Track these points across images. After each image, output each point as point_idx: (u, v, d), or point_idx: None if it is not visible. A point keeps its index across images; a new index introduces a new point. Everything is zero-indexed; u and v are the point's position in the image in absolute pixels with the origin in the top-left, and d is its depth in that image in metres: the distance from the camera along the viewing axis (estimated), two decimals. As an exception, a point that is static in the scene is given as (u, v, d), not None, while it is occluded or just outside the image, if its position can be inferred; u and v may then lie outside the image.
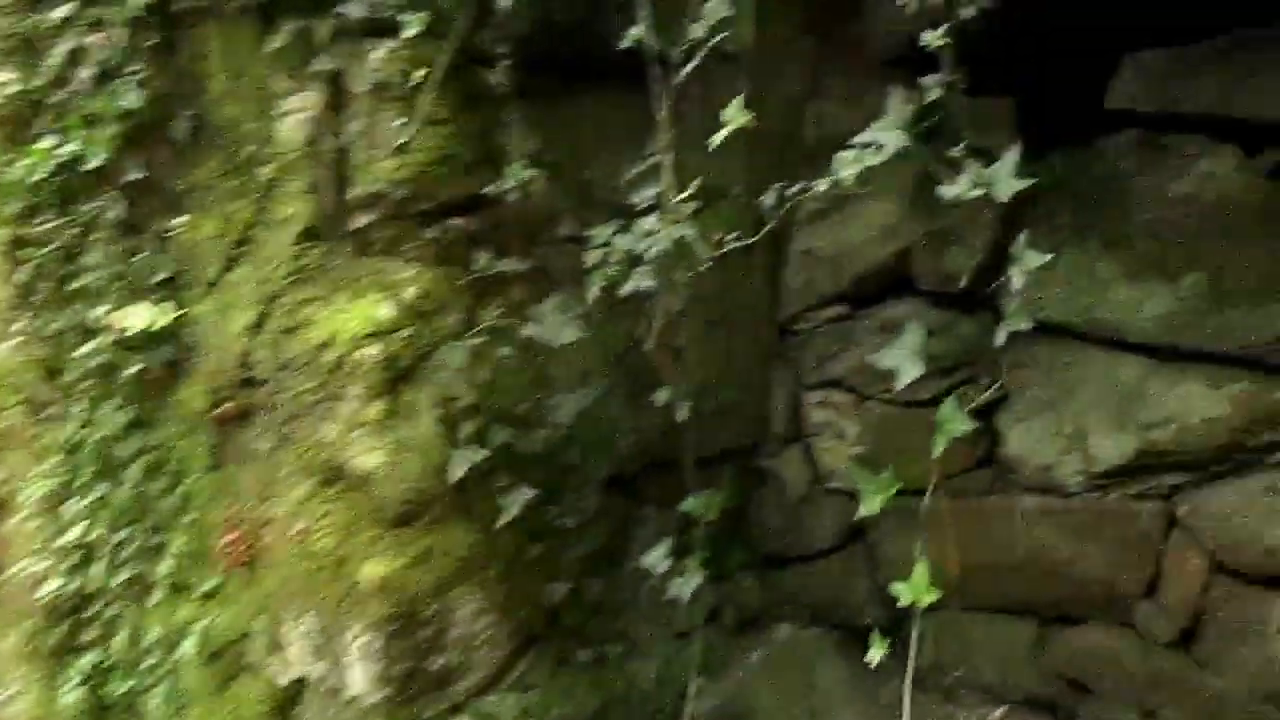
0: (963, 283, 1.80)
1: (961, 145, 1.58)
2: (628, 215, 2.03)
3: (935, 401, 2.38)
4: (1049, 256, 1.58)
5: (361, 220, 2.17)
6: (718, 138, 1.73)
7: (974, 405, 1.78)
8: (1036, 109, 2.42)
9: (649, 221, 1.93)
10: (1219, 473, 2.26)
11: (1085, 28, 2.24)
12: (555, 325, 2.17)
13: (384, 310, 2.13)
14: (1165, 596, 2.34)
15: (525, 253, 2.27)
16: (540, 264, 2.30)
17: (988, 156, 1.76)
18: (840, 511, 2.66)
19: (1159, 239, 2.28)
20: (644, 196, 1.95)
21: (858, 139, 1.66)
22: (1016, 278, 1.57)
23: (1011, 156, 1.56)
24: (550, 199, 2.31)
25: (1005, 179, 1.53)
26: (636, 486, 2.58)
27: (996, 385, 2.46)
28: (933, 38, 1.55)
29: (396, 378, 2.14)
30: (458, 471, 2.15)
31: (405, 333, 2.14)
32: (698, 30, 1.81)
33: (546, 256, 2.32)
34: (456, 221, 2.21)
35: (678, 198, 1.85)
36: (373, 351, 2.11)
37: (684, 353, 2.49)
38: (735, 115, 1.70)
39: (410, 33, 2.02)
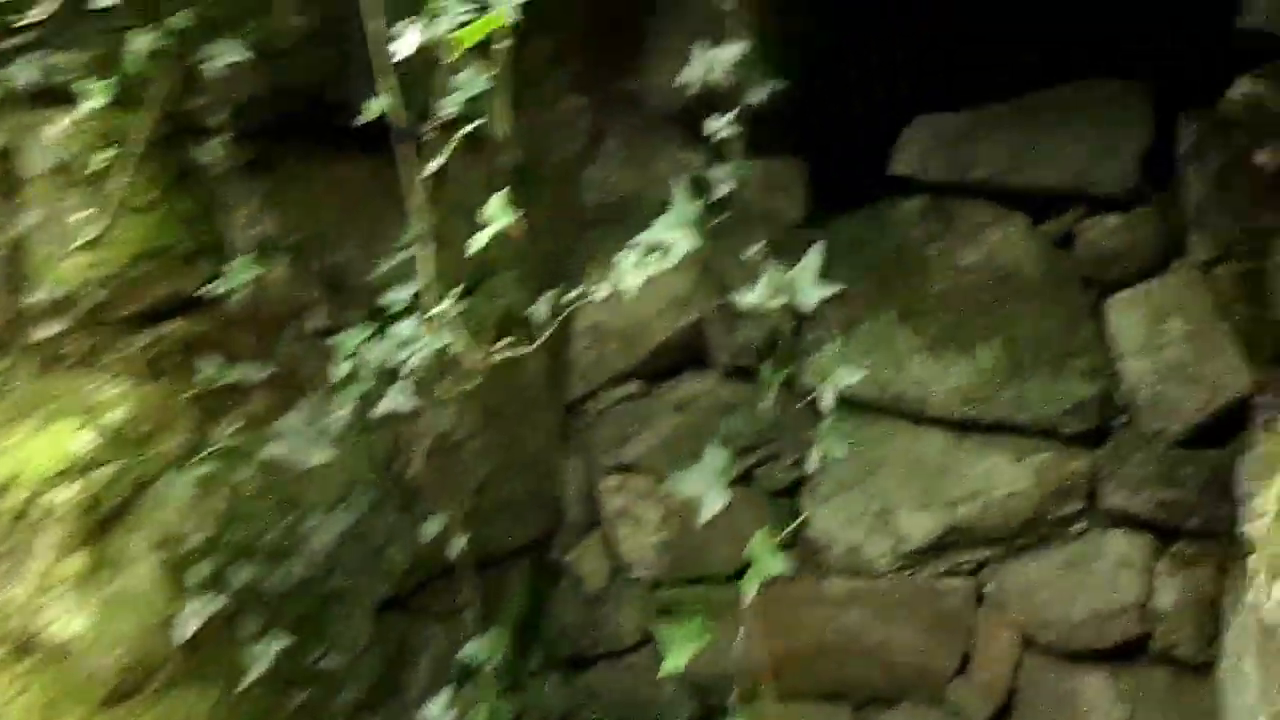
0: (770, 397, 1.61)
1: (760, 246, 1.38)
2: (383, 315, 1.73)
3: (736, 481, 2.24)
4: (864, 372, 1.42)
5: (47, 330, 1.78)
6: (478, 241, 1.47)
7: (784, 530, 1.56)
8: (828, 169, 2.31)
9: (406, 326, 1.64)
10: (1024, 546, 2.24)
11: (876, 89, 2.15)
12: (304, 442, 1.84)
13: (82, 439, 1.75)
14: (977, 675, 2.29)
15: (265, 355, 1.94)
16: (285, 367, 1.97)
17: (782, 230, 1.59)
18: (643, 603, 2.48)
19: (954, 309, 2.23)
20: (399, 297, 1.66)
21: (641, 237, 1.44)
22: (827, 394, 1.39)
23: (814, 258, 1.38)
24: (294, 289, 1.99)
25: (808, 285, 1.35)
26: (416, 603, 2.28)
27: (799, 463, 2.35)
28: (720, 126, 1.35)
29: (102, 521, 1.76)
30: (189, 627, 1.78)
31: (111, 466, 1.76)
32: (450, 106, 1.54)
33: (293, 357, 2.00)
34: (173, 325, 1.86)
35: (438, 303, 1.57)
36: (68, 492, 1.73)
37: (462, 447, 2.22)
38: (498, 213, 1.44)
39: (95, 103, 1.64)
